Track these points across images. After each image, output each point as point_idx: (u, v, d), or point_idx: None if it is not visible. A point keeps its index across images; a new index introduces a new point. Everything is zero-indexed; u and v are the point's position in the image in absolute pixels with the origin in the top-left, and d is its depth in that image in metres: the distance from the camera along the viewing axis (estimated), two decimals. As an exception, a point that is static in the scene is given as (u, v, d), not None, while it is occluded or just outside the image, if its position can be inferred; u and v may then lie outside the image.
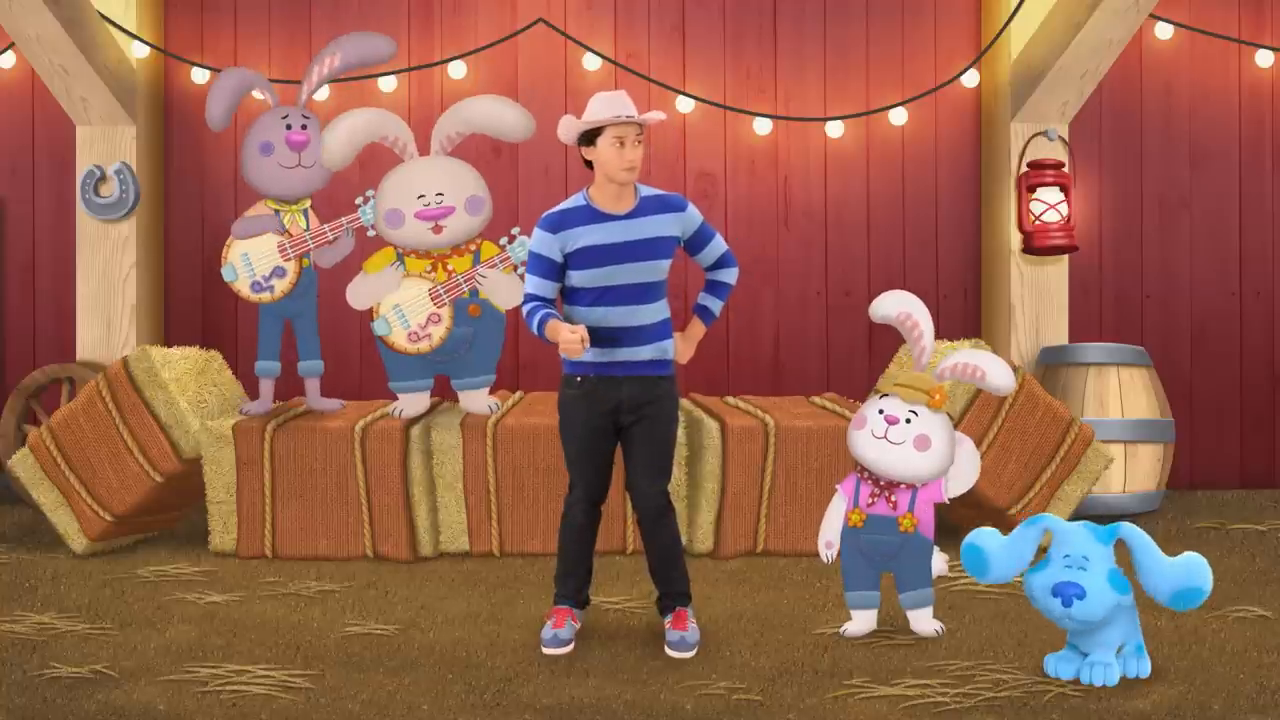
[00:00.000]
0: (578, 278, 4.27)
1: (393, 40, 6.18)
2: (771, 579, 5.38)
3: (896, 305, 4.49)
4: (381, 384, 7.39)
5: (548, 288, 4.30)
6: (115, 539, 5.99)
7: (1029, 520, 4.04)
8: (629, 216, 4.27)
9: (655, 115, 4.26)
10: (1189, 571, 3.86)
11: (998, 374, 4.40)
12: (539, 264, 4.30)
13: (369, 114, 5.97)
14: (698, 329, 4.58)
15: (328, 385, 7.64)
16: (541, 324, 4.23)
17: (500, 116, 5.96)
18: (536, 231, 4.29)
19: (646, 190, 4.35)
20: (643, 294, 4.29)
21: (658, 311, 4.34)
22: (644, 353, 4.31)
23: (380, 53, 6.15)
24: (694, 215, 4.37)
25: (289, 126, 6.05)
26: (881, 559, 4.47)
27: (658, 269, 4.30)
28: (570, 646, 4.31)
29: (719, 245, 4.47)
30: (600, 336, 4.27)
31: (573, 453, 4.37)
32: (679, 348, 4.54)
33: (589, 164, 4.31)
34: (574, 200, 4.32)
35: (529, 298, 4.32)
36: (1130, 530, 3.90)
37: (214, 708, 3.71)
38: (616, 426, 4.34)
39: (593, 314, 4.28)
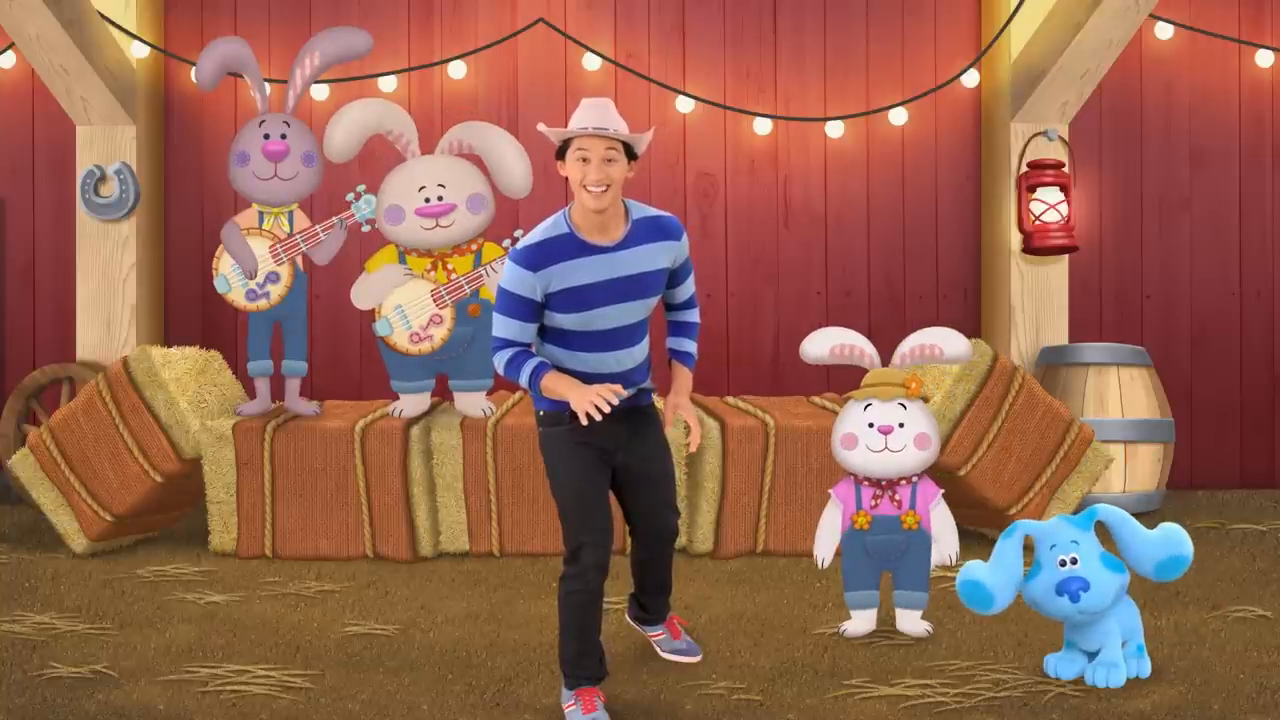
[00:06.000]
0: (560, 320, 3.71)
1: (369, 35, 6.17)
2: (771, 579, 5.38)
3: (825, 344, 4.48)
4: (381, 384, 7.40)
5: (525, 331, 3.71)
6: (115, 539, 5.99)
7: (1004, 533, 3.99)
8: (619, 248, 3.70)
9: (632, 134, 3.66)
10: (1169, 541, 3.92)
11: (953, 344, 4.45)
12: (514, 304, 3.67)
13: (374, 105, 6.00)
14: (687, 379, 4.00)
15: (329, 385, 7.67)
16: (536, 377, 3.69)
17: (511, 166, 5.98)
18: (512, 267, 3.65)
19: (639, 211, 3.78)
20: (632, 334, 3.79)
21: (644, 347, 3.88)
22: (629, 390, 3.85)
23: (357, 47, 6.13)
24: (685, 246, 3.86)
25: (266, 136, 6.03)
26: (886, 558, 4.48)
27: (649, 306, 3.79)
28: None
29: (692, 283, 3.99)
30: (585, 380, 3.78)
31: (574, 499, 3.74)
32: (685, 407, 3.91)
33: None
34: (554, 226, 3.69)
35: (503, 343, 3.72)
36: (1108, 510, 3.95)
37: (214, 708, 3.71)
38: (610, 464, 3.85)
39: (575, 359, 3.77)
